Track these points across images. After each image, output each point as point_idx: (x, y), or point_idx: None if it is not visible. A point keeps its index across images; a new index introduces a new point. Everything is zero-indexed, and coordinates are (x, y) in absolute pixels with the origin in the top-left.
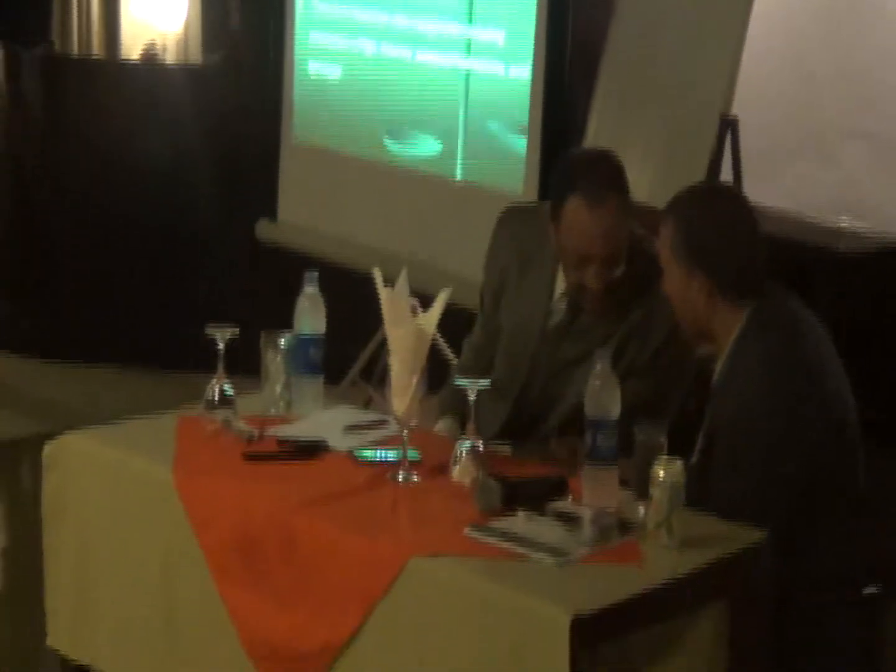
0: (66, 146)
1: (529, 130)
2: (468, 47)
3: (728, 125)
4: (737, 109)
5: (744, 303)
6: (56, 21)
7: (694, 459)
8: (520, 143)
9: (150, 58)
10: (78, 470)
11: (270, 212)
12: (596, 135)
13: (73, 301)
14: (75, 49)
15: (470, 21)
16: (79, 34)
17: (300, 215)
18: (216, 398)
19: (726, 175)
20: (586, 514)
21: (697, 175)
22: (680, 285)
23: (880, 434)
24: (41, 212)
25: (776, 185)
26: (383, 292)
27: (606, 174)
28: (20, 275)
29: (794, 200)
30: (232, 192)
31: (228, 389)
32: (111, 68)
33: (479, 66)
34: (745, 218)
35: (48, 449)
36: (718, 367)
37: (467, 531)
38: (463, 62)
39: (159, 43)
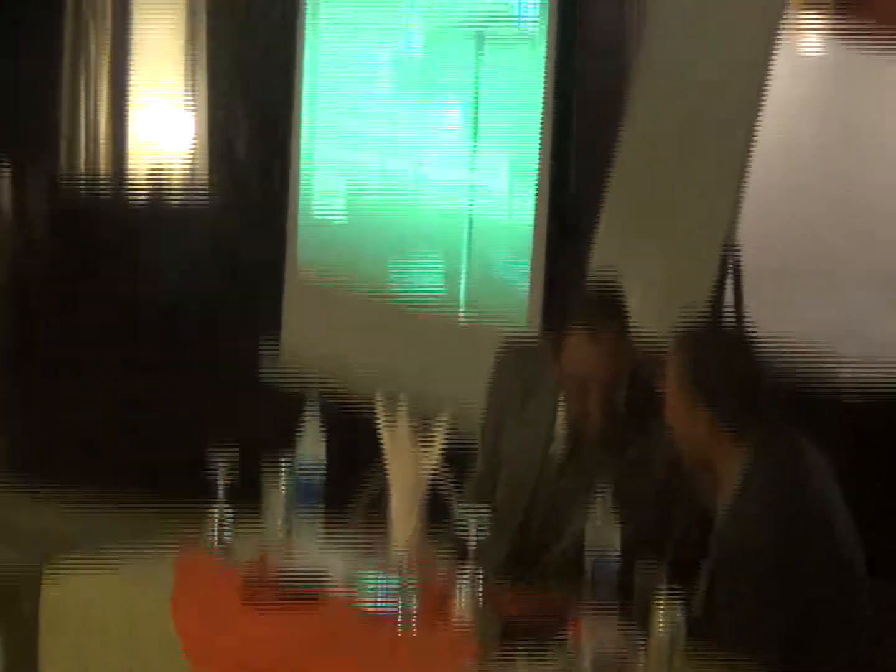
0: (70, 269)
1: (532, 268)
2: (471, 185)
3: (731, 256)
4: (739, 241)
5: (747, 436)
6: (63, 141)
7: (698, 592)
8: (523, 279)
9: (156, 180)
10: (76, 604)
11: (274, 342)
12: (599, 268)
13: (72, 425)
14: (82, 169)
15: (472, 164)
16: (86, 157)
17: (304, 347)
18: (216, 533)
19: (728, 305)
20: (586, 652)
21: (700, 305)
22: (683, 418)
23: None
24: (40, 336)
25: (778, 317)
26: (384, 421)
27: (607, 305)
28: (19, 398)
29: (796, 331)
30: (237, 320)
31: (228, 524)
32: (117, 191)
33: (482, 205)
34: (748, 354)
35: (47, 584)
36: (722, 501)
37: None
38: (465, 200)
39: (165, 164)
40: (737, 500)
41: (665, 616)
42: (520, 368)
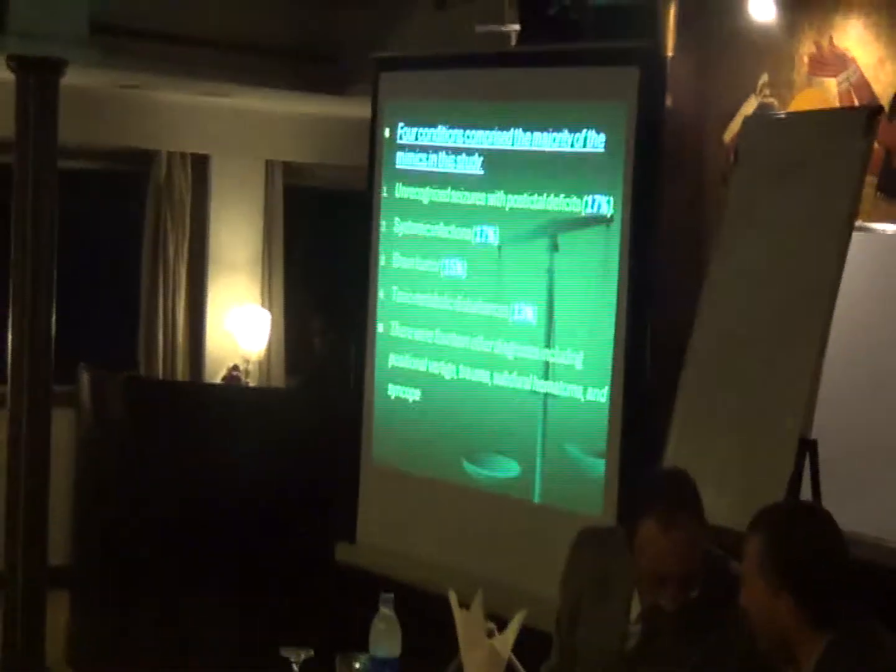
0: (148, 466)
1: (608, 453)
2: (546, 370)
3: (807, 448)
4: (816, 432)
5: (827, 625)
6: (142, 347)
7: None
8: (598, 466)
9: (233, 380)
10: None
11: (350, 533)
12: (674, 456)
13: (151, 617)
14: (160, 373)
15: (548, 345)
16: (164, 358)
17: (379, 537)
18: None
19: (805, 498)
20: None
21: (776, 497)
22: (763, 603)
23: None
24: (122, 532)
25: (856, 510)
26: (459, 614)
27: (679, 495)
28: (100, 592)
29: (875, 525)
30: (312, 513)
31: None
32: (193, 390)
33: (556, 389)
34: (835, 538)
35: None
36: None
37: None
38: (541, 385)
39: (242, 365)
40: None
41: None
42: (595, 558)
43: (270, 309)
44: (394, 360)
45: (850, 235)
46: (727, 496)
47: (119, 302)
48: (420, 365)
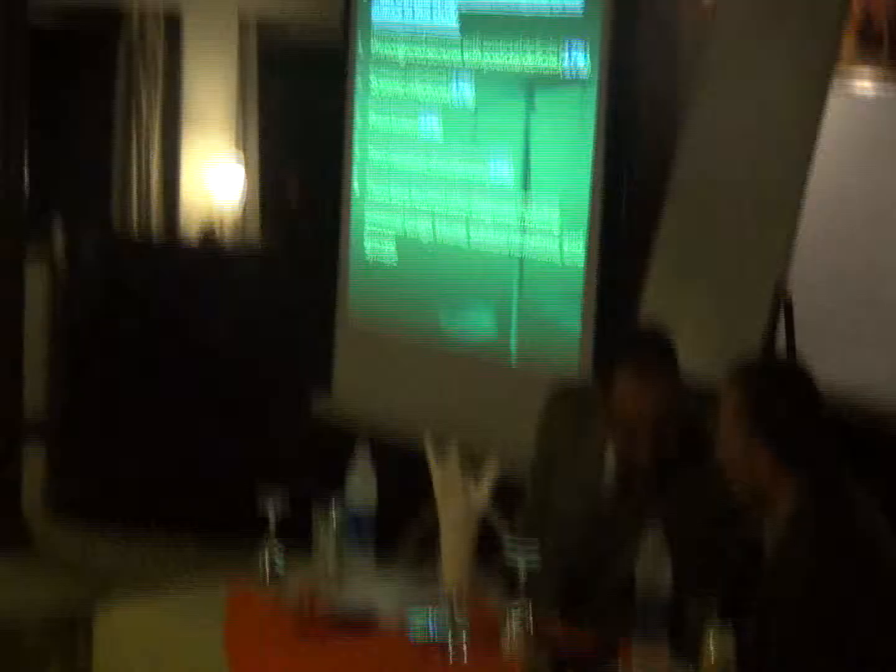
0: (123, 323)
1: (584, 313)
2: (522, 230)
3: (782, 303)
4: (792, 288)
5: (801, 470)
6: (116, 201)
7: (749, 627)
8: (574, 327)
9: (208, 236)
10: (129, 640)
11: (325, 387)
12: (650, 313)
13: (125, 466)
14: (134, 227)
15: (525, 203)
16: (138, 214)
17: (355, 392)
18: (268, 568)
19: (780, 349)
20: None
21: (751, 348)
22: (738, 452)
23: None
24: (97, 388)
25: (833, 364)
26: (435, 464)
27: (655, 349)
28: (74, 440)
29: (851, 382)
30: (288, 366)
31: (279, 560)
32: (169, 249)
33: (533, 248)
34: (811, 391)
35: (99, 620)
36: (772, 534)
37: None
38: (517, 244)
39: (217, 217)
40: (787, 534)
41: (716, 650)
42: (570, 410)
43: (245, 165)
44: (370, 220)
45: (829, 84)
46: (703, 351)
47: (92, 157)
48: (396, 225)
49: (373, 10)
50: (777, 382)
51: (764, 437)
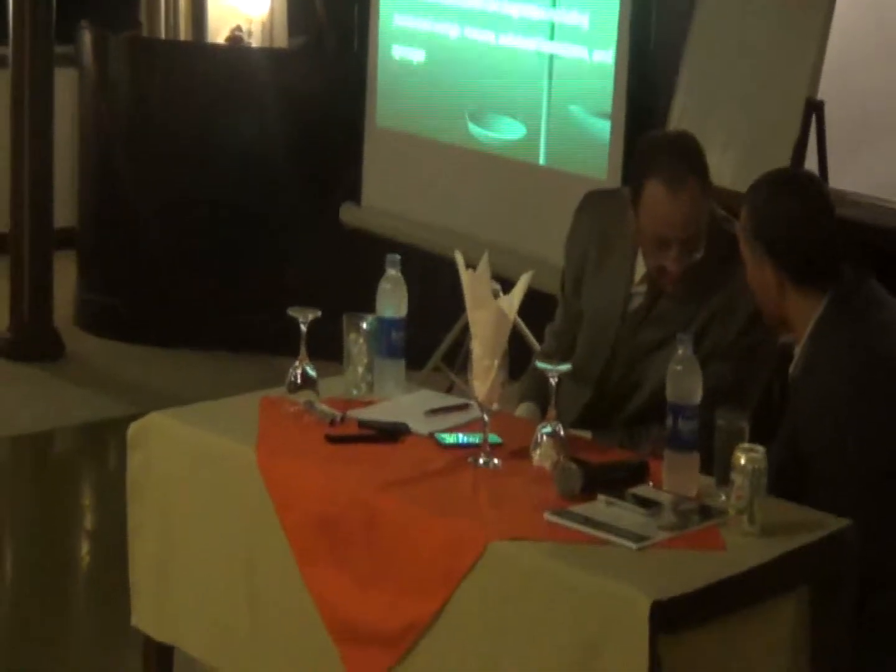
0: (152, 128)
1: (613, 115)
2: (552, 31)
3: (813, 109)
4: (823, 93)
5: (819, 290)
6: (143, 6)
7: (777, 444)
8: (603, 128)
9: (236, 41)
10: (162, 450)
11: (354, 195)
12: (679, 119)
13: (157, 284)
14: (162, 33)
15: (554, 4)
16: (166, 19)
17: (384, 199)
18: (298, 380)
19: (811, 159)
20: (667, 499)
21: (782, 159)
22: (754, 272)
23: None
24: (127, 195)
25: (862, 170)
26: (465, 276)
27: (685, 156)
28: (106, 258)
29: (881, 185)
30: (316, 175)
31: (311, 371)
32: (196, 51)
33: (562, 50)
34: (817, 206)
35: (133, 429)
36: (797, 355)
37: (547, 515)
38: (546, 46)
39: (245, 27)
40: (808, 347)
41: (745, 465)
42: (598, 219)
43: None
44: (397, 20)
45: None
46: (732, 158)
47: None
48: (424, 25)
49: None
50: (775, 199)
51: (766, 253)
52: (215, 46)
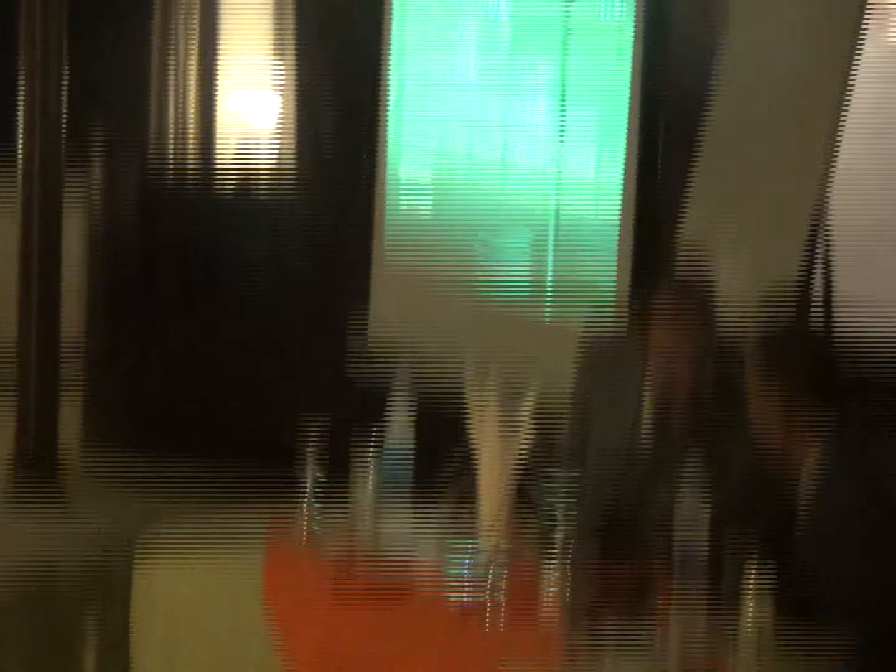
0: (159, 251)
1: (619, 256)
2: (558, 177)
3: (821, 226)
4: (830, 219)
5: (825, 424)
6: (153, 121)
7: (787, 568)
8: (610, 272)
9: (244, 164)
10: (168, 568)
11: (362, 329)
12: (688, 232)
13: (166, 395)
14: (170, 153)
15: (561, 141)
16: (174, 139)
17: (391, 334)
18: (305, 510)
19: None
20: (675, 625)
21: (791, 272)
22: (760, 411)
23: None
24: (133, 315)
25: (870, 281)
26: (472, 402)
27: (692, 285)
28: (116, 368)
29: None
30: (325, 315)
31: (318, 500)
32: (205, 174)
33: (568, 199)
34: (821, 343)
35: (139, 546)
36: (803, 485)
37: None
38: (552, 193)
39: (253, 150)
40: (814, 493)
41: (754, 590)
42: (606, 352)
43: (283, 92)
44: (405, 171)
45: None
46: (738, 289)
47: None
48: (432, 175)
49: None
50: (787, 347)
51: (778, 392)
52: (223, 170)
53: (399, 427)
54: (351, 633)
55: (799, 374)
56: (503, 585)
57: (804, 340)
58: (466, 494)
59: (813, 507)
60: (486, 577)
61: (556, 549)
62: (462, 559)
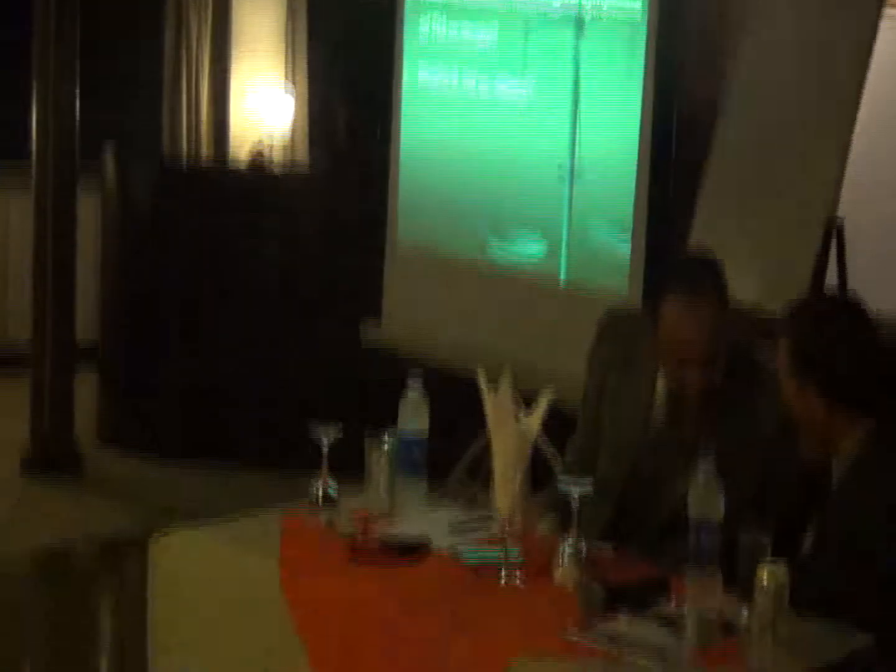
0: (174, 251)
1: (633, 232)
2: (573, 153)
3: (834, 227)
4: (844, 211)
5: (862, 416)
6: (166, 129)
7: (802, 560)
8: (624, 245)
9: (257, 161)
10: (184, 567)
11: (375, 312)
12: (700, 235)
13: (180, 400)
14: (184, 155)
15: (573, 135)
16: (188, 141)
17: (405, 316)
18: (320, 498)
19: (832, 278)
20: (689, 616)
21: (803, 277)
22: (795, 396)
23: None
24: (153, 311)
25: (884, 290)
26: (487, 394)
27: (704, 273)
28: (132, 375)
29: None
30: (337, 292)
31: (332, 489)
32: (218, 174)
33: (584, 167)
34: (861, 333)
35: (155, 546)
36: (837, 476)
37: (570, 634)
38: (568, 163)
39: (266, 139)
40: (852, 472)
41: (768, 583)
42: (620, 337)
43: (295, 93)
44: (420, 139)
45: (880, 15)
46: (754, 276)
47: (143, 85)
48: (445, 143)
49: None
50: (822, 329)
51: (812, 384)
52: (236, 169)
53: (414, 409)
54: (365, 605)
55: (823, 374)
56: (517, 568)
57: (835, 328)
58: (481, 479)
59: (845, 496)
60: (501, 562)
61: (570, 536)
62: (475, 544)
